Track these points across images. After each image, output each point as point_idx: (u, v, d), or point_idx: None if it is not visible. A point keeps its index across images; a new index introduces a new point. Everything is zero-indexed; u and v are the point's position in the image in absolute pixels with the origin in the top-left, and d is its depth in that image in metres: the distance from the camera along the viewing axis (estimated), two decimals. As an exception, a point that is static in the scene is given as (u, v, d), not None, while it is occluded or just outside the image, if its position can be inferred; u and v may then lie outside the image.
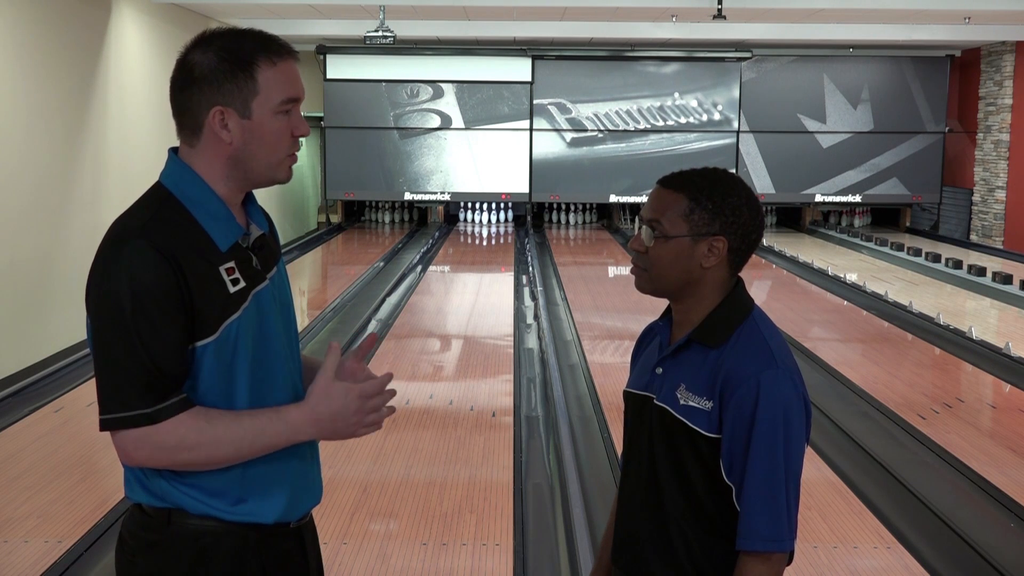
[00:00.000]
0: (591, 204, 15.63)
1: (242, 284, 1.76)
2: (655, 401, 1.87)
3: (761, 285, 10.68)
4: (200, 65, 1.75)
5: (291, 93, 1.78)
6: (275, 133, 1.78)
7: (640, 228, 1.87)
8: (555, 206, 15.65)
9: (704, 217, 1.81)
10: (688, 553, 1.82)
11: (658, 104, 14.69)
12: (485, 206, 15.62)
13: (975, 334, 7.55)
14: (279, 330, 1.83)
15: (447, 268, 12.13)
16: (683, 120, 14.70)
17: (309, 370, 1.95)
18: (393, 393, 1.84)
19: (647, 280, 1.87)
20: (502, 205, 15.53)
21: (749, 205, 1.84)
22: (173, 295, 1.67)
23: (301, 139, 1.83)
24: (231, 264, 1.76)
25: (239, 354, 1.75)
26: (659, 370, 1.89)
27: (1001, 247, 13.14)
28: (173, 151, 1.82)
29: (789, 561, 1.82)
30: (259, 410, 1.75)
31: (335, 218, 15.78)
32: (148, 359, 1.67)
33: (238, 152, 1.77)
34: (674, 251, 1.82)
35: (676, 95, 14.68)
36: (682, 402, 1.82)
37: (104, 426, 1.71)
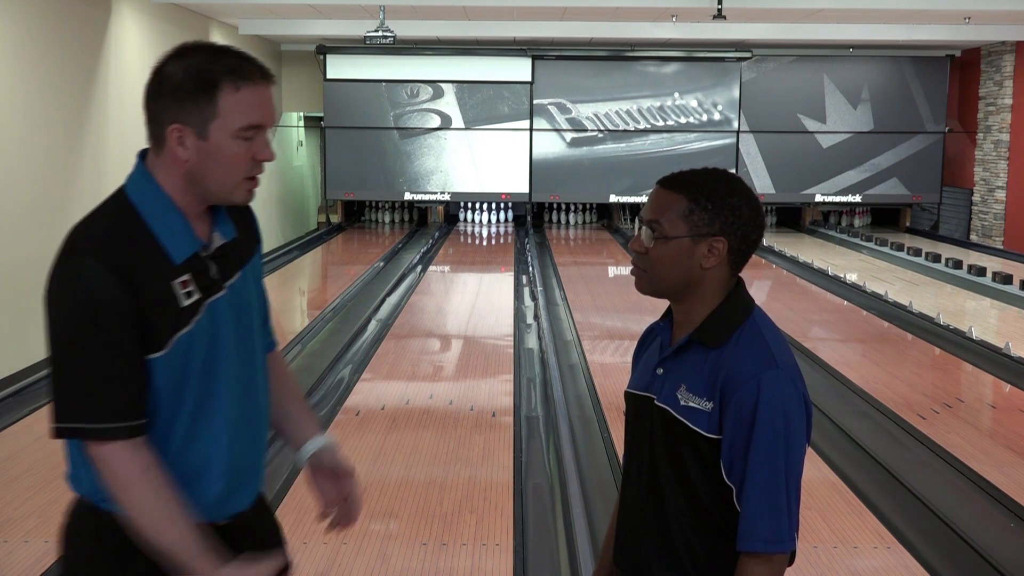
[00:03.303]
0: (591, 204, 15.63)
1: (196, 296, 1.78)
2: (656, 402, 1.87)
3: (761, 285, 10.68)
4: (169, 79, 1.75)
5: (253, 120, 1.77)
6: (232, 157, 1.77)
7: (640, 229, 1.87)
8: (555, 206, 15.65)
9: (704, 218, 1.80)
10: (690, 553, 1.82)
11: (658, 104, 14.69)
12: (485, 206, 15.62)
13: (975, 334, 7.55)
14: (229, 341, 1.84)
15: (447, 268, 12.13)
16: (683, 120, 14.70)
17: (287, 401, 2.04)
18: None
19: (647, 281, 1.87)
20: (502, 205, 15.53)
21: (749, 205, 1.83)
22: (124, 313, 1.70)
23: (265, 163, 1.82)
24: (186, 277, 1.77)
25: (189, 366, 1.78)
26: (660, 371, 1.89)
27: (1001, 247, 13.14)
28: (142, 155, 1.83)
29: (791, 562, 1.81)
30: (193, 529, 1.76)
31: (335, 218, 15.79)
32: (98, 375, 1.70)
33: (193, 171, 1.77)
34: (674, 252, 1.81)
35: (676, 95, 14.68)
36: (683, 403, 1.82)
37: (60, 434, 1.75)
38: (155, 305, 1.73)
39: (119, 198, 1.80)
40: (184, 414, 1.80)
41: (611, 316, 8.70)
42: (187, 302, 1.77)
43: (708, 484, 1.80)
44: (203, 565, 1.74)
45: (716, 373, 1.79)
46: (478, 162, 14.76)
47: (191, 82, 1.73)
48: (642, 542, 1.88)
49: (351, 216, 15.64)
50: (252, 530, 1.94)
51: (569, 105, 14.69)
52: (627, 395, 1.98)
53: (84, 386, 1.71)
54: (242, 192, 1.82)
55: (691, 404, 1.81)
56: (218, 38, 11.73)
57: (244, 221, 1.95)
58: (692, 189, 1.82)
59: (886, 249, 12.82)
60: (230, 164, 1.77)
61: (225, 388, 1.84)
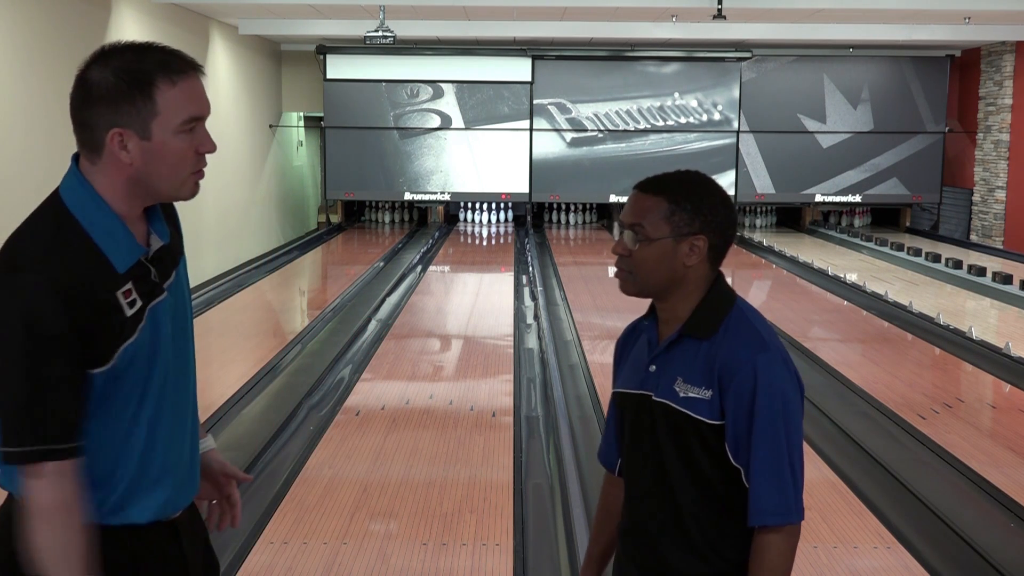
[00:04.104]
0: (591, 204, 15.63)
1: (138, 304, 1.76)
2: (654, 398, 1.92)
3: (761, 285, 10.68)
4: (98, 84, 1.71)
5: (193, 112, 1.75)
6: (177, 153, 1.74)
7: (622, 233, 1.93)
8: (555, 206, 15.65)
9: (684, 218, 1.88)
10: (704, 536, 1.89)
11: (658, 104, 14.69)
12: (485, 206, 15.62)
13: (975, 334, 7.55)
14: (168, 341, 1.83)
15: (447, 268, 12.13)
16: (683, 120, 14.70)
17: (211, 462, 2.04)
18: None
19: (632, 283, 1.94)
20: (502, 205, 15.53)
21: (724, 204, 1.93)
22: (63, 332, 1.66)
23: (207, 155, 1.80)
24: (128, 286, 1.74)
25: (132, 375, 1.76)
26: (652, 368, 1.95)
27: (1001, 247, 13.14)
28: (76, 160, 1.79)
29: None
30: (87, 566, 1.72)
31: (335, 218, 15.79)
32: (29, 397, 1.66)
33: (139, 173, 1.74)
34: (658, 252, 1.89)
35: (676, 95, 14.68)
36: (682, 394, 1.88)
37: (8, 459, 1.69)
38: (100, 319, 1.70)
39: (56, 207, 1.75)
40: (141, 422, 1.79)
41: (611, 316, 8.69)
42: (131, 312, 1.74)
43: (715, 468, 1.87)
44: None
45: (711, 362, 1.86)
46: (478, 162, 14.76)
47: (125, 83, 1.70)
48: (651, 531, 1.94)
49: (351, 216, 15.64)
50: (191, 525, 1.95)
51: (569, 105, 14.69)
52: (619, 395, 2.03)
53: (14, 408, 1.67)
54: (189, 187, 1.79)
55: (691, 395, 1.87)
56: (218, 38, 11.73)
57: (172, 220, 1.93)
58: (671, 191, 1.90)
59: (886, 249, 12.81)
60: (176, 160, 1.75)
61: (166, 387, 1.83)
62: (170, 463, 1.85)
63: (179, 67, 1.74)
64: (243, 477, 2.10)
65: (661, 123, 14.71)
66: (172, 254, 1.88)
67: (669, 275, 1.90)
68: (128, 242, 1.76)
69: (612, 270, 9.76)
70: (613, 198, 14.84)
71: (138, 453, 1.80)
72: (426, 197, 14.86)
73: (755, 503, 1.83)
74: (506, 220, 15.63)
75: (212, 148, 1.79)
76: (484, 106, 14.68)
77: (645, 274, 1.91)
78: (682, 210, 1.88)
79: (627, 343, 2.08)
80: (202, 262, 10.30)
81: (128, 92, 1.70)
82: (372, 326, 8.24)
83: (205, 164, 1.81)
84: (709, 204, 1.90)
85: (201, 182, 1.82)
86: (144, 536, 1.82)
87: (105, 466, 1.77)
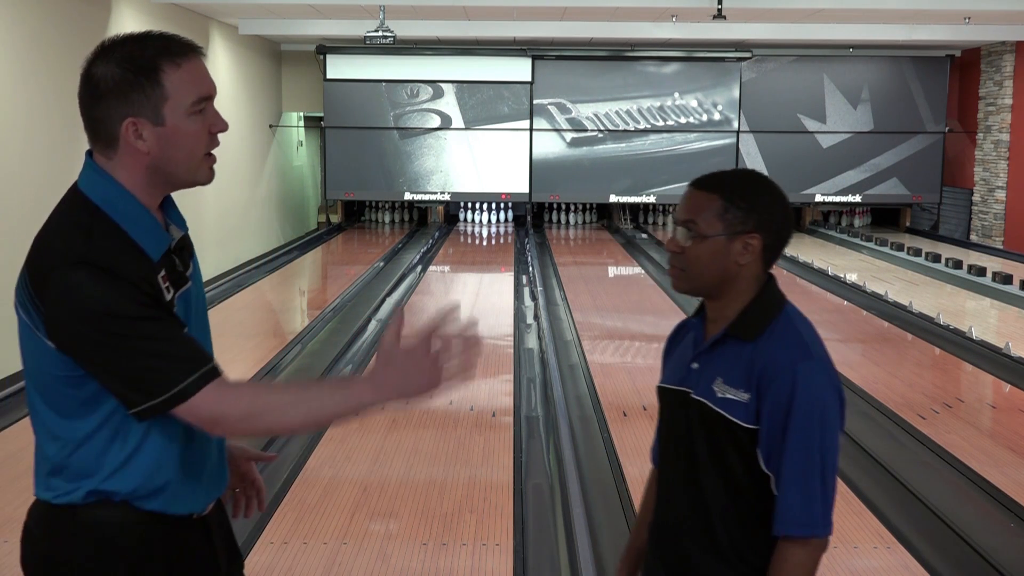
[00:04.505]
0: (591, 204, 15.64)
1: (171, 292, 1.77)
2: (692, 395, 1.91)
3: (761, 285, 10.66)
4: (105, 78, 1.72)
5: (202, 92, 1.76)
6: (192, 135, 1.75)
7: (675, 229, 1.92)
8: (555, 206, 15.65)
9: (738, 216, 1.86)
10: (731, 541, 1.88)
11: (658, 104, 14.69)
12: (485, 206, 15.63)
13: (975, 334, 7.55)
14: (197, 335, 1.83)
15: (447, 268, 12.13)
16: (683, 120, 14.70)
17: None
18: (471, 325, 1.90)
19: (684, 279, 1.92)
20: (502, 205, 15.53)
21: (780, 203, 1.92)
22: (140, 301, 1.67)
23: (220, 135, 1.81)
24: (163, 272, 1.76)
25: None
26: (695, 365, 1.93)
27: (1001, 247, 13.14)
28: (90, 155, 1.80)
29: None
30: (326, 385, 1.79)
31: (335, 218, 15.79)
32: (153, 345, 1.68)
33: (156, 161, 1.75)
34: (711, 250, 1.87)
35: (676, 95, 14.68)
36: (719, 395, 1.87)
37: (178, 398, 1.68)
38: (157, 299, 1.72)
39: (82, 203, 1.75)
40: None
41: (611, 316, 8.69)
42: (168, 297, 1.76)
43: (747, 473, 1.85)
44: (363, 395, 1.75)
45: (752, 365, 1.84)
46: (478, 162, 14.76)
47: (132, 73, 1.71)
48: (681, 530, 1.93)
49: (351, 216, 15.64)
50: (217, 519, 1.95)
51: (569, 105, 14.69)
52: (661, 390, 2.02)
53: (155, 358, 1.67)
54: (205, 171, 1.81)
55: (728, 396, 1.86)
56: (218, 38, 11.73)
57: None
58: (726, 189, 1.89)
59: (886, 249, 12.81)
60: (191, 142, 1.76)
61: None
62: (204, 455, 1.85)
63: (181, 50, 1.75)
64: (266, 457, 2.11)
65: (661, 123, 14.71)
66: (189, 244, 1.90)
67: (721, 273, 1.88)
68: (157, 231, 1.77)
69: (612, 270, 9.71)
70: (613, 198, 14.85)
71: (179, 444, 1.79)
72: (426, 197, 14.86)
73: (781, 512, 1.81)
74: (506, 220, 15.63)
75: (225, 126, 1.81)
76: (484, 106, 14.68)
77: (697, 271, 1.89)
78: (736, 208, 1.86)
79: (675, 340, 2.07)
80: (202, 262, 10.17)
81: (136, 81, 1.71)
82: (372, 326, 8.24)
83: (217, 144, 1.81)
84: (764, 203, 1.88)
85: (214, 167, 1.83)
86: (178, 530, 1.82)
87: (151, 456, 1.77)
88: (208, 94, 1.77)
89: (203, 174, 1.81)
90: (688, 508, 1.91)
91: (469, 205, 15.66)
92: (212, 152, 1.81)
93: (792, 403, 1.79)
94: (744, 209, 1.86)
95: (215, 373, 1.71)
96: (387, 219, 15.72)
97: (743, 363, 1.86)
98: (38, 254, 1.72)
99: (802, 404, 1.79)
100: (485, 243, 14.35)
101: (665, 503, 1.98)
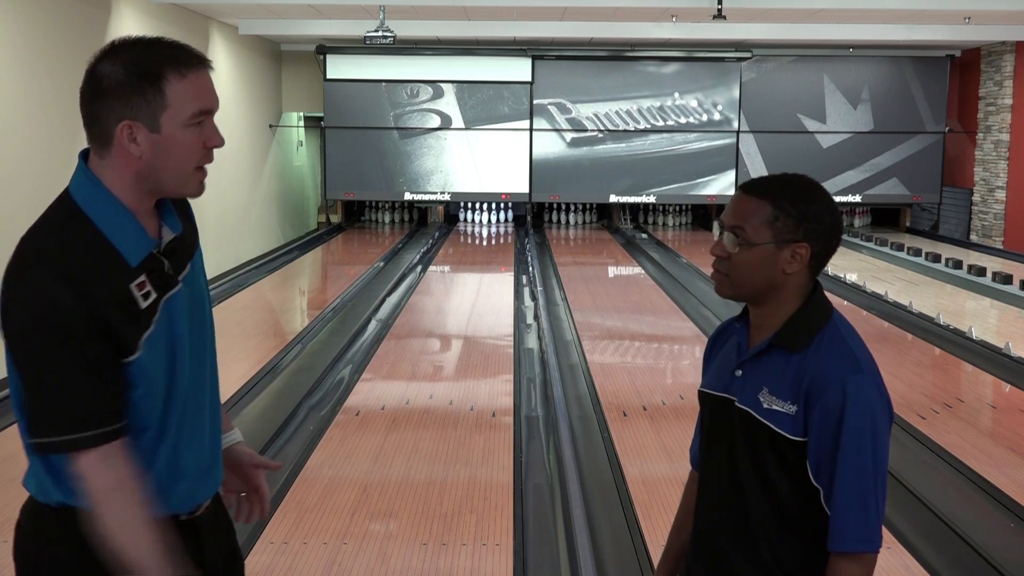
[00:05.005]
0: (591, 204, 15.63)
1: (153, 296, 1.77)
2: (737, 404, 1.89)
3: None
4: (108, 77, 1.73)
5: (202, 106, 1.76)
6: (185, 146, 1.76)
7: (722, 234, 1.88)
8: (555, 206, 15.65)
9: (788, 224, 1.82)
10: (772, 551, 1.85)
11: (658, 104, 14.69)
12: (485, 206, 15.63)
13: (975, 334, 7.55)
14: (186, 333, 1.84)
15: (447, 268, 12.13)
16: (683, 120, 14.69)
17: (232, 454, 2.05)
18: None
19: (729, 285, 1.88)
20: (502, 205, 15.53)
21: (830, 211, 1.86)
22: (86, 321, 1.67)
23: (215, 150, 1.81)
24: (142, 279, 1.75)
25: (157, 365, 1.78)
26: (739, 372, 1.91)
27: (1001, 247, 13.14)
28: (83, 157, 1.81)
29: None
30: (159, 540, 1.74)
31: (335, 218, 15.79)
32: (66, 386, 1.68)
33: (147, 166, 1.75)
34: (758, 257, 1.83)
35: (676, 95, 14.68)
36: (765, 406, 1.84)
37: (39, 450, 1.73)
38: (116, 311, 1.71)
39: (66, 204, 1.76)
40: (173, 415, 1.81)
41: (611, 316, 8.69)
42: (145, 304, 1.75)
43: (790, 485, 1.83)
44: (149, 571, 1.72)
45: (800, 377, 1.81)
46: (478, 162, 14.76)
47: (135, 76, 1.72)
48: (721, 538, 1.91)
49: (351, 216, 15.64)
50: (214, 521, 1.96)
51: (569, 105, 14.69)
52: (703, 394, 1.99)
53: (54, 399, 1.69)
54: (195, 183, 1.81)
55: (774, 407, 1.83)
56: (218, 38, 11.73)
57: (185, 213, 1.95)
58: (776, 195, 1.84)
59: (886, 249, 12.81)
60: (184, 153, 1.76)
61: (186, 381, 1.84)
62: (187, 457, 1.85)
63: (188, 60, 1.75)
64: (273, 465, 2.11)
65: (661, 123, 14.70)
66: (186, 246, 1.89)
67: (767, 281, 1.84)
68: (138, 235, 1.77)
69: (612, 270, 9.70)
70: (613, 198, 14.84)
71: (161, 445, 1.80)
72: (426, 197, 14.86)
73: (837, 527, 1.78)
74: (506, 220, 15.63)
75: (220, 142, 1.81)
76: (484, 106, 14.68)
77: (742, 279, 1.85)
78: (786, 216, 1.82)
79: (717, 342, 2.04)
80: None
81: (138, 85, 1.72)
82: (372, 326, 8.24)
83: (211, 159, 1.82)
84: (814, 211, 1.83)
85: (205, 181, 1.83)
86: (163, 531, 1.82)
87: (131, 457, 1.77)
88: (208, 108, 1.77)
89: (192, 187, 1.81)
90: (730, 518, 1.89)
91: (469, 205, 15.66)
92: (204, 166, 1.81)
93: (843, 418, 1.76)
94: (794, 217, 1.82)
95: (101, 439, 1.70)
96: (387, 219, 15.72)
97: (790, 375, 1.82)
98: (16, 251, 1.74)
99: (853, 419, 1.76)
100: (485, 243, 14.34)
101: (706, 512, 1.96)
